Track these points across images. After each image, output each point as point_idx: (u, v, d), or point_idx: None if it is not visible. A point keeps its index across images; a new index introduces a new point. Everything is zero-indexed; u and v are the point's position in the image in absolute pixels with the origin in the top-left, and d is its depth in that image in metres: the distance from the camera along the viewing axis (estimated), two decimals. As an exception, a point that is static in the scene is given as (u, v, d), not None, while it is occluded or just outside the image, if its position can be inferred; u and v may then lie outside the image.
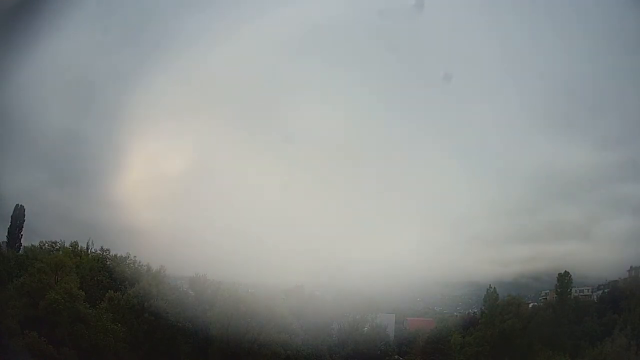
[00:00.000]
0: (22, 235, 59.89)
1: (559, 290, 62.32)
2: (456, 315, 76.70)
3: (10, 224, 59.32)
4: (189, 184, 69.34)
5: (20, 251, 59.35)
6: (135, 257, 61.73)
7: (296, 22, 70.24)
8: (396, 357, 65.79)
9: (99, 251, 62.03)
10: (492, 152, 73.52)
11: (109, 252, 62.34)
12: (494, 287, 65.74)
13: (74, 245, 61.09)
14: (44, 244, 60.00)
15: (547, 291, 69.10)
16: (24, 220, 59.99)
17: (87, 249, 61.94)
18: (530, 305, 67.36)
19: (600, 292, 64.07)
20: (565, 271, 62.06)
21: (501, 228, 72.50)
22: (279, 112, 71.75)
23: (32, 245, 59.11)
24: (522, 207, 71.19)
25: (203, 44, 69.12)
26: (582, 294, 64.31)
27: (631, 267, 61.10)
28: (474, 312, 73.05)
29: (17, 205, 59.51)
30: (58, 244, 60.30)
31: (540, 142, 71.67)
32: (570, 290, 62.15)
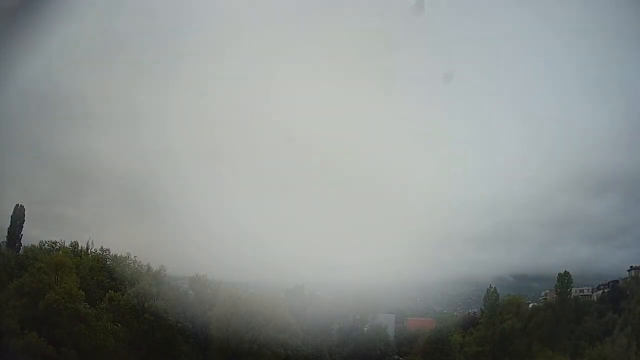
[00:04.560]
0: (22, 235, 59.88)
1: (559, 290, 62.30)
2: (456, 315, 76.75)
3: (10, 224, 59.29)
4: (189, 184, 69.58)
5: (20, 251, 59.19)
6: (135, 257, 61.79)
7: (297, 22, 70.51)
8: (396, 357, 65.73)
9: (99, 251, 62.02)
10: (492, 153, 73.98)
11: (109, 252, 62.35)
12: (494, 287, 65.87)
13: (74, 245, 61.05)
14: (44, 244, 59.95)
15: (547, 291, 69.17)
16: (24, 220, 60.01)
17: (87, 249, 61.88)
18: (530, 305, 67.34)
19: (600, 292, 64.04)
20: (565, 271, 62.12)
21: (501, 229, 72.93)
22: (280, 113, 71.92)
23: (32, 245, 58.98)
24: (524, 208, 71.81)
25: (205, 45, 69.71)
26: (582, 294, 64.26)
27: (631, 267, 61.12)
28: (474, 312, 73.10)
29: (17, 205, 59.47)
30: (58, 244, 60.28)
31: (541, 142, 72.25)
32: (570, 290, 62.13)
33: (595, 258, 67.46)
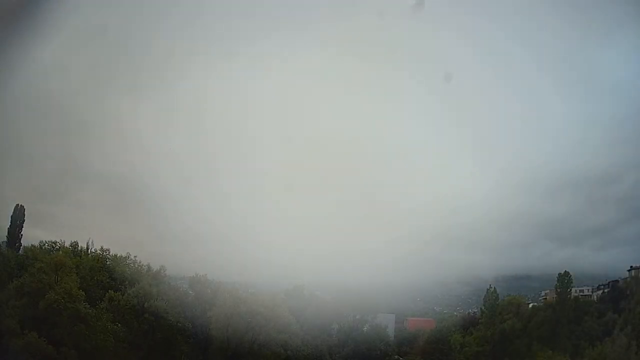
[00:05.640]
0: (22, 235, 59.86)
1: (559, 290, 62.28)
2: (456, 315, 76.76)
3: (10, 224, 59.27)
4: (189, 184, 69.60)
5: (20, 251, 59.17)
6: (135, 257, 61.80)
7: (296, 22, 70.54)
8: (396, 357, 65.72)
9: (99, 251, 61.96)
10: (491, 154, 74.25)
11: (109, 252, 62.29)
12: (494, 287, 65.87)
13: (74, 245, 61.04)
14: (44, 244, 59.93)
15: (547, 291, 69.20)
16: (24, 220, 59.98)
17: (87, 249, 61.88)
18: (530, 305, 67.35)
19: (600, 292, 64.00)
20: (565, 271, 62.09)
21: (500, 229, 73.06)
22: (280, 113, 72.01)
23: (32, 245, 58.95)
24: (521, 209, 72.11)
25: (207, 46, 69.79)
26: (582, 294, 64.23)
27: (631, 267, 61.08)
28: (474, 312, 73.09)
29: (17, 205, 59.45)
30: (58, 244, 60.29)
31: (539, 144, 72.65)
32: (570, 290, 62.10)
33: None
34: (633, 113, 64.79)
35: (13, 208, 59.19)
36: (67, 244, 60.56)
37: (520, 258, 71.01)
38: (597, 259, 67.16)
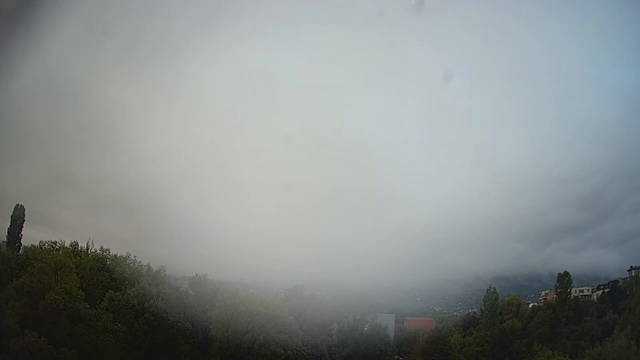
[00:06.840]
0: (22, 235, 59.93)
1: (559, 290, 62.39)
2: (456, 315, 76.93)
3: (10, 224, 59.32)
4: (189, 186, 69.75)
5: (20, 251, 59.19)
6: (135, 257, 61.85)
7: (297, 22, 70.60)
8: (396, 357, 65.76)
9: (99, 251, 61.98)
10: (490, 156, 74.60)
11: (109, 252, 62.32)
12: (494, 287, 66.00)
13: (74, 245, 61.05)
14: (44, 244, 59.98)
15: (547, 291, 69.33)
16: (24, 220, 60.04)
17: (87, 249, 61.91)
18: (530, 305, 67.49)
19: (600, 292, 64.14)
20: (565, 271, 62.26)
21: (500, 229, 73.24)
22: (280, 114, 72.18)
23: (32, 245, 59.03)
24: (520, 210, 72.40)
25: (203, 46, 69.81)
26: (582, 294, 64.39)
27: (631, 267, 61.22)
28: (474, 312, 73.22)
29: (17, 205, 59.53)
30: (58, 244, 60.30)
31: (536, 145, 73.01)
32: (570, 290, 62.22)
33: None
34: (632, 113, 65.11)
35: (13, 208, 59.39)
36: (67, 244, 60.64)
37: (518, 258, 71.34)
38: (597, 259, 67.45)
